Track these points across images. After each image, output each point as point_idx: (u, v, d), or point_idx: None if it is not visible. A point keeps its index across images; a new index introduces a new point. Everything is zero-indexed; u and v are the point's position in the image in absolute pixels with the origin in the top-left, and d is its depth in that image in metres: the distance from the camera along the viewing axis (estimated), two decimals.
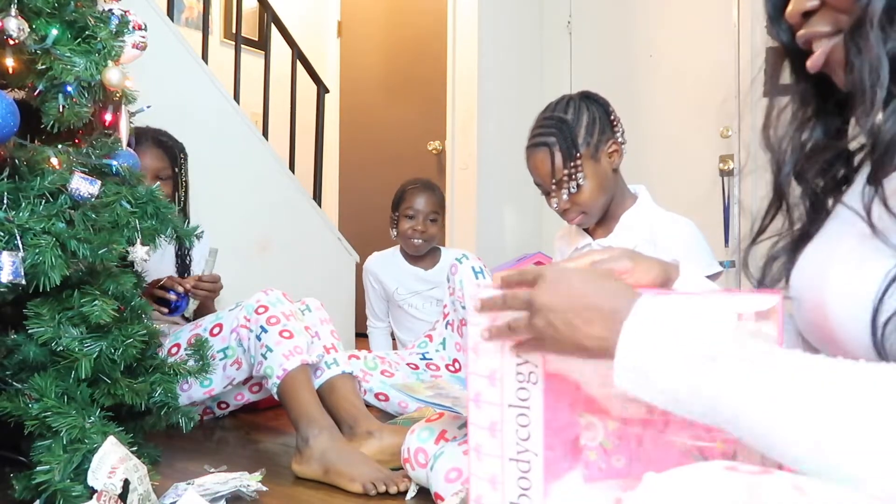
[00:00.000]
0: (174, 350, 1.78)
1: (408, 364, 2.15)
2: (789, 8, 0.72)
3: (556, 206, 1.59)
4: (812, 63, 0.71)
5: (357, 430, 1.58)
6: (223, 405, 2.00)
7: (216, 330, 1.81)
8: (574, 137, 1.56)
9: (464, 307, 2.07)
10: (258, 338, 1.68)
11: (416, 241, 2.33)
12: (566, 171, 1.55)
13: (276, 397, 1.64)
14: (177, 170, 2.04)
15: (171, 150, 2.02)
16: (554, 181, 1.57)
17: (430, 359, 2.18)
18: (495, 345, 0.74)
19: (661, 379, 0.59)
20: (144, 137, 1.96)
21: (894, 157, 0.62)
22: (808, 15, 0.70)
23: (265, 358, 1.64)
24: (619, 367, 0.61)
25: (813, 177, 0.78)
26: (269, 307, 1.72)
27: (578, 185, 1.55)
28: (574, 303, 0.66)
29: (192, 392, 1.84)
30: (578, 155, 1.55)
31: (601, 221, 1.64)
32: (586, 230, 1.67)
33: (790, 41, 0.75)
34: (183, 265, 2.09)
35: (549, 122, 1.60)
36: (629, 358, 0.61)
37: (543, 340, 0.69)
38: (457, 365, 2.16)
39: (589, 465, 0.70)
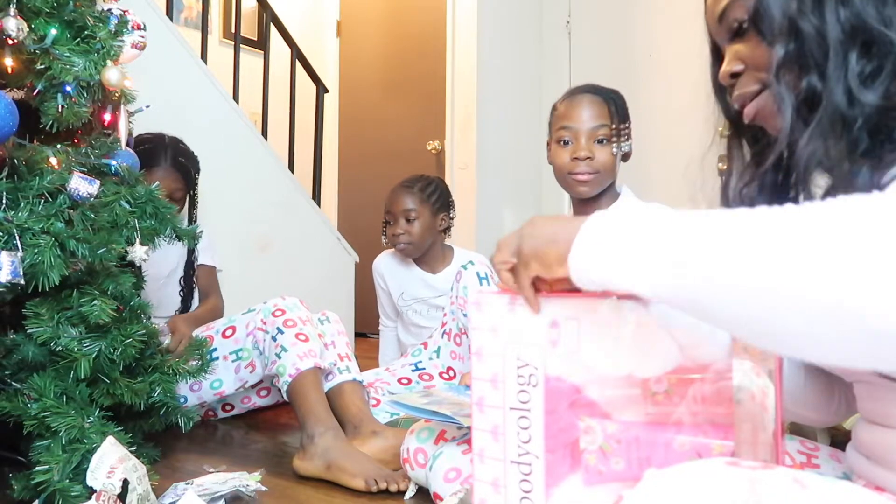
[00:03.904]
0: None
1: (399, 380, 2.07)
2: (721, 71, 0.83)
3: (582, 153, 1.53)
4: (746, 115, 0.81)
5: (362, 429, 1.59)
6: (228, 407, 2.00)
7: (228, 332, 1.83)
8: (626, 108, 1.58)
9: (465, 315, 2.02)
10: (273, 338, 1.71)
11: (399, 246, 2.21)
12: (619, 126, 1.54)
13: (285, 396, 1.65)
14: (191, 192, 2.05)
15: (187, 172, 2.02)
16: (601, 127, 1.53)
17: (423, 368, 2.10)
18: (498, 348, 0.74)
19: (605, 258, 0.62)
20: (163, 156, 1.96)
21: (811, 176, 0.71)
22: (736, 76, 0.81)
23: (279, 357, 1.66)
24: (576, 247, 0.65)
25: None
26: (286, 311, 1.75)
27: (620, 149, 1.54)
28: (560, 218, 0.71)
29: (202, 393, 1.84)
30: (629, 123, 1.56)
31: (586, 215, 1.61)
32: None
33: (734, 114, 0.86)
34: (189, 265, 2.09)
35: (602, 87, 1.60)
36: (585, 238, 0.64)
37: (522, 244, 0.71)
38: (451, 373, 2.08)
39: (588, 468, 0.70)
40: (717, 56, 0.87)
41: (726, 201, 0.86)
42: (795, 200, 0.84)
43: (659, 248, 0.57)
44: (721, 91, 0.88)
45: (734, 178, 0.87)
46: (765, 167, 0.80)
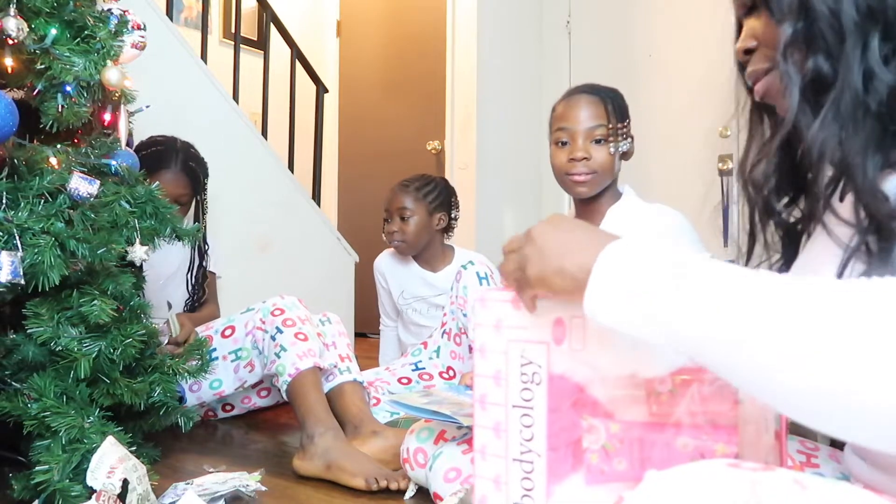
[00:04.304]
0: None
1: (399, 380, 2.08)
2: (736, 47, 0.82)
3: (579, 153, 1.51)
4: (756, 92, 0.81)
5: (362, 429, 1.60)
6: (228, 407, 2.00)
7: (228, 332, 1.83)
8: (624, 107, 1.57)
9: (465, 315, 2.02)
10: (273, 338, 1.70)
11: (394, 243, 2.23)
12: (617, 125, 1.53)
13: (284, 395, 1.65)
14: (198, 197, 2.06)
15: (196, 177, 2.02)
16: (597, 127, 1.52)
17: (423, 368, 2.10)
18: (501, 345, 0.74)
19: (629, 297, 0.58)
20: (173, 159, 1.97)
21: (824, 163, 0.69)
22: (749, 52, 0.80)
23: (278, 357, 1.66)
24: (591, 287, 0.61)
25: (781, 209, 0.85)
26: (284, 310, 1.74)
27: (618, 148, 1.53)
28: (566, 233, 0.66)
29: (201, 393, 1.84)
30: (627, 122, 1.55)
31: (587, 216, 1.60)
32: None
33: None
34: (199, 266, 2.09)
35: (600, 86, 1.58)
36: (602, 277, 0.60)
37: (527, 266, 0.68)
38: (451, 372, 2.08)
39: (591, 467, 0.70)
40: (740, 30, 0.86)
41: (742, 178, 0.85)
42: (812, 185, 0.82)
43: (681, 309, 0.55)
44: (743, 66, 0.87)
45: (752, 153, 0.86)
46: (773, 146, 0.80)
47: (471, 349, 1.99)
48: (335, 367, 1.76)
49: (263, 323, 1.74)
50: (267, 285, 2.57)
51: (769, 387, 0.51)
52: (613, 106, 1.56)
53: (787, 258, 0.87)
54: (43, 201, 1.20)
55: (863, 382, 0.46)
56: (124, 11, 1.43)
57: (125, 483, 1.10)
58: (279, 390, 1.68)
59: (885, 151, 0.66)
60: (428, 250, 2.27)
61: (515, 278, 0.70)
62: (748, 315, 0.51)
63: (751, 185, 0.84)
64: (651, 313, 0.57)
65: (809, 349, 0.49)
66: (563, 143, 1.55)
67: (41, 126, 1.26)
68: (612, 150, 1.54)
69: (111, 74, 1.30)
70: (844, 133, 0.66)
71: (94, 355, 1.24)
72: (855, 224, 0.67)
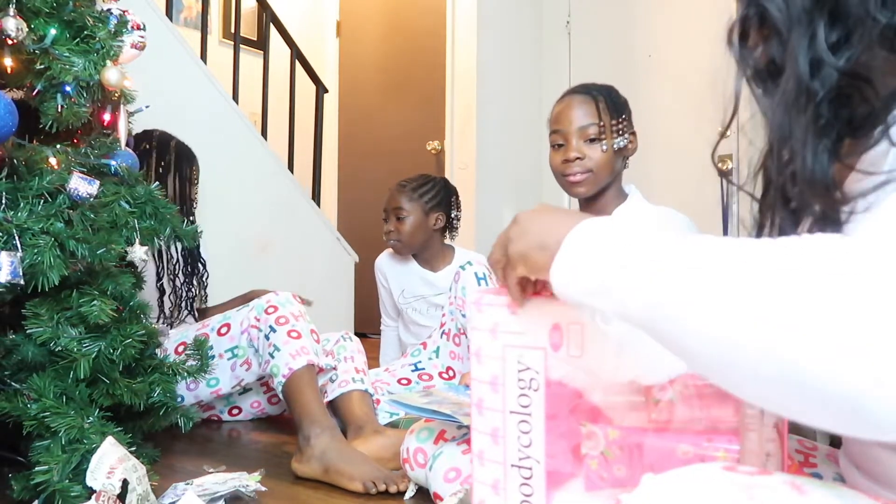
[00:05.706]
0: (180, 349, 1.79)
1: (399, 381, 2.09)
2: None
3: (572, 154, 1.51)
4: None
5: (366, 429, 1.61)
6: (234, 411, 2.00)
7: (224, 329, 1.82)
8: (620, 103, 1.56)
9: (464, 315, 2.02)
10: (266, 337, 1.70)
11: (390, 243, 2.24)
12: (610, 122, 1.51)
13: (280, 396, 1.65)
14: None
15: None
16: (589, 126, 1.51)
17: (423, 368, 2.10)
18: (497, 351, 0.74)
19: (583, 277, 0.61)
20: (188, 149, 2.07)
21: (784, 148, 0.68)
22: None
23: (272, 357, 1.66)
24: (556, 262, 0.64)
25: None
26: (278, 307, 1.74)
27: (614, 146, 1.51)
28: (549, 215, 0.70)
29: (198, 392, 1.84)
30: (624, 118, 1.54)
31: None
32: None
33: None
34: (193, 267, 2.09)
35: (594, 84, 1.57)
36: (566, 253, 0.63)
37: (510, 245, 0.71)
38: (451, 373, 2.09)
39: (590, 473, 0.70)
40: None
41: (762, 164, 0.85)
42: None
43: (629, 281, 0.56)
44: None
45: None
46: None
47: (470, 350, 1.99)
48: (335, 374, 1.78)
49: (258, 321, 1.74)
50: (267, 285, 2.56)
51: (706, 348, 0.50)
52: (606, 103, 1.55)
53: None
54: (42, 201, 1.20)
55: (793, 344, 0.44)
56: (124, 11, 1.43)
57: (125, 483, 1.10)
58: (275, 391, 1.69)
59: (830, 139, 0.65)
60: (427, 250, 2.26)
61: (499, 260, 0.72)
62: (703, 291, 0.51)
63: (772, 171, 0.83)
64: (607, 284, 0.58)
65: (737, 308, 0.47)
66: (559, 146, 1.56)
67: (41, 126, 1.26)
68: (604, 147, 1.53)
69: (111, 74, 1.30)
70: (789, 119, 0.66)
71: (93, 355, 1.24)
72: (791, 210, 0.66)
